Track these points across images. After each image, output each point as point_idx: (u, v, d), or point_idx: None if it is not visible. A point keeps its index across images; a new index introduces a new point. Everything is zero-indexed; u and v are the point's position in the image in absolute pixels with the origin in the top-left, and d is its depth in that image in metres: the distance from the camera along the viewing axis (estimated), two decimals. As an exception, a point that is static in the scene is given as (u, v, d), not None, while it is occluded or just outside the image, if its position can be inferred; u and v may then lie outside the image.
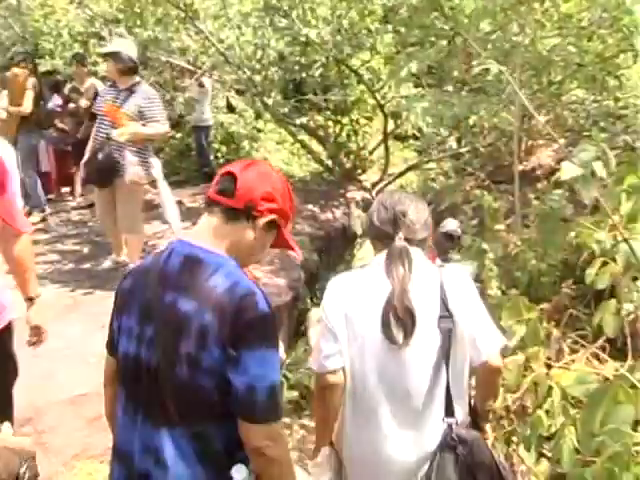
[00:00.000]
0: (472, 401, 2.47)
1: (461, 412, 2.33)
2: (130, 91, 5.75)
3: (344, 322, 2.31)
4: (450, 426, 2.26)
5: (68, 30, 9.76)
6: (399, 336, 2.23)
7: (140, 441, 1.81)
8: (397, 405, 2.29)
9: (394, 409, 2.29)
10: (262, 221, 1.89)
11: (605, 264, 2.72)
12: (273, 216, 1.91)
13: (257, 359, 1.71)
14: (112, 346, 2.00)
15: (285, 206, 1.97)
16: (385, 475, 2.32)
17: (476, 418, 2.44)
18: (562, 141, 9.51)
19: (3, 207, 2.62)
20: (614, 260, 2.64)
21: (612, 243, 2.56)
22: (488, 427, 2.59)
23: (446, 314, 2.27)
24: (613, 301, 2.76)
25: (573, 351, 2.84)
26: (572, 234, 3.82)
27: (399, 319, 2.23)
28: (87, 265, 6.78)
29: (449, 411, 2.28)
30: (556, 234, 2.45)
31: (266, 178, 1.94)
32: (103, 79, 9.15)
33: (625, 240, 2.21)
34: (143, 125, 5.61)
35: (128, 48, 5.91)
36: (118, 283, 2.03)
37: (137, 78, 5.90)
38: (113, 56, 5.77)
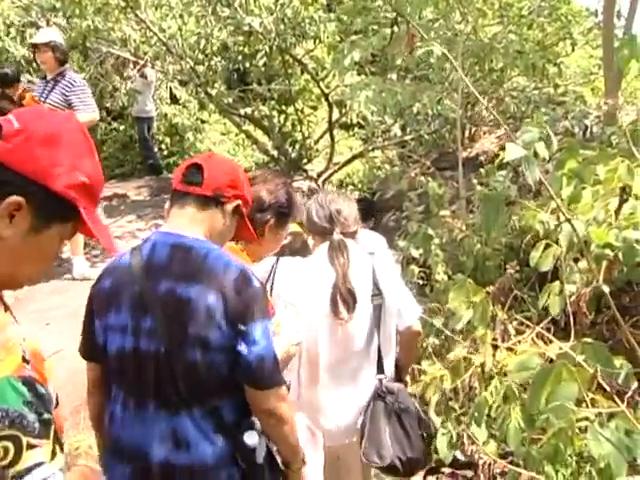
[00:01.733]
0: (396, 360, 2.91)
1: (389, 369, 2.80)
2: (55, 81, 5.66)
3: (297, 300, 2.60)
4: (380, 381, 2.74)
5: (2, 19, 9.47)
6: (344, 312, 2.64)
7: (154, 431, 1.87)
8: (340, 367, 2.70)
9: (337, 371, 2.70)
10: (230, 206, 2.02)
11: (548, 246, 2.77)
12: (238, 201, 2.04)
13: (262, 330, 1.87)
14: (92, 350, 2.01)
15: (246, 193, 2.10)
16: (330, 426, 2.70)
17: (400, 373, 2.91)
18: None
19: None
20: (557, 242, 2.69)
21: (555, 224, 2.62)
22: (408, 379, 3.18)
23: (377, 292, 2.75)
24: (557, 283, 2.83)
25: (519, 332, 2.89)
26: (515, 218, 3.89)
27: (343, 299, 2.66)
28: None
29: (380, 369, 2.75)
30: (500, 215, 2.49)
31: (229, 167, 2.08)
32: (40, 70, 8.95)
33: (568, 220, 2.25)
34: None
35: (58, 36, 5.82)
36: (93, 285, 2.03)
37: (66, 66, 5.80)
38: (51, 45, 5.66)
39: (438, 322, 4.12)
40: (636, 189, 2.65)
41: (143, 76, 10.33)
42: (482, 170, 5.68)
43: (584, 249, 2.41)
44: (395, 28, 5.76)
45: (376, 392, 2.72)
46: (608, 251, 2.58)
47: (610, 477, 2.04)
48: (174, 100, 12.40)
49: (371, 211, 6.57)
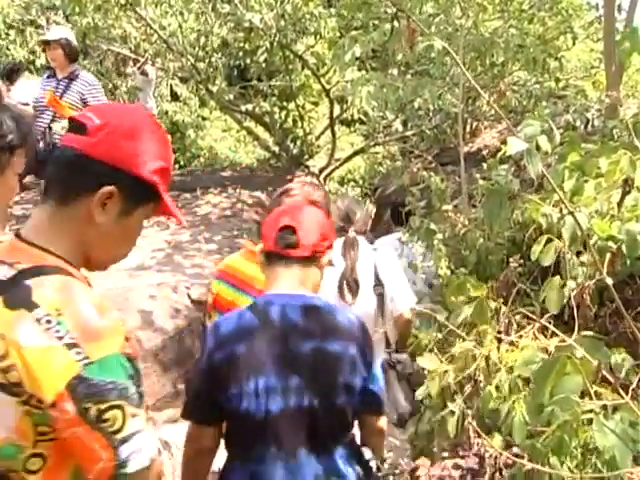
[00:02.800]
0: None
1: (392, 345, 3.45)
2: (70, 79, 5.64)
3: None
4: (389, 353, 3.40)
5: (3, 17, 9.48)
6: (349, 297, 3.32)
7: (307, 476, 2.01)
8: None
9: None
10: (325, 258, 2.22)
11: (550, 241, 2.78)
12: (330, 250, 2.28)
13: (377, 367, 2.23)
14: (211, 415, 2.08)
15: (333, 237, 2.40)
16: None
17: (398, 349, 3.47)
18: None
19: None
20: (559, 236, 2.70)
21: (558, 217, 2.62)
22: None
23: (378, 283, 3.46)
24: (557, 278, 2.83)
25: (522, 326, 2.89)
26: (518, 212, 3.89)
27: (349, 286, 3.34)
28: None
29: (388, 345, 3.44)
30: (502, 209, 2.49)
31: (317, 219, 2.24)
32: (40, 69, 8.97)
33: (570, 213, 2.25)
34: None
35: (70, 35, 5.81)
36: (212, 352, 2.05)
37: (76, 66, 5.79)
38: (61, 43, 5.65)
39: (441, 316, 4.12)
40: (639, 181, 2.66)
41: (144, 74, 10.32)
42: (484, 164, 5.67)
43: (587, 242, 2.41)
44: (395, 23, 5.74)
45: (387, 362, 3.33)
46: (611, 243, 2.59)
47: (615, 468, 2.04)
48: (175, 97, 12.40)
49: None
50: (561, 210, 2.62)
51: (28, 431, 1.30)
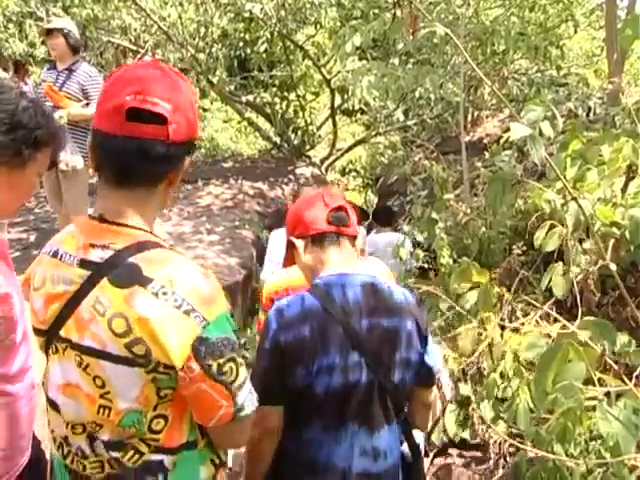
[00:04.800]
0: None
1: None
2: (70, 71, 5.61)
3: None
4: None
5: (2, 10, 9.44)
6: None
7: (355, 448, 2.03)
8: None
9: None
10: (359, 240, 2.27)
11: (553, 227, 2.77)
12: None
13: (431, 340, 2.18)
14: (282, 396, 2.06)
15: None
16: None
17: None
18: (507, 111, 9.64)
19: None
20: (562, 223, 2.69)
21: (562, 203, 2.61)
22: None
23: None
24: (560, 264, 2.82)
25: (525, 314, 2.89)
26: (520, 200, 3.89)
27: None
28: (34, 252, 6.64)
29: None
30: (506, 195, 2.48)
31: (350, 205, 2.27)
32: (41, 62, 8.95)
33: (574, 199, 2.24)
34: (86, 105, 5.48)
35: (72, 26, 5.78)
36: (277, 335, 2.04)
37: (78, 57, 5.77)
38: (63, 32, 5.62)
39: (444, 305, 4.12)
40: (642, 168, 2.65)
41: (144, 65, 10.29)
42: (486, 153, 5.66)
43: (590, 228, 2.40)
44: (394, 11, 5.72)
45: None
46: (614, 229, 2.58)
47: (619, 455, 2.05)
48: (175, 89, 12.37)
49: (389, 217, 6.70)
50: (564, 196, 2.61)
51: (151, 397, 1.45)
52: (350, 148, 11.65)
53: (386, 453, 2.09)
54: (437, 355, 2.31)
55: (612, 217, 2.52)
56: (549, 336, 2.67)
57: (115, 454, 1.49)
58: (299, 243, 2.20)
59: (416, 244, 5.29)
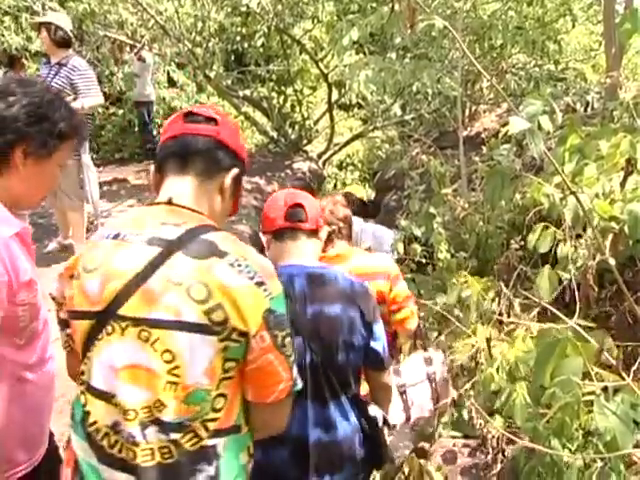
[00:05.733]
0: None
1: None
2: (60, 65, 5.61)
3: None
4: None
5: (-2, 4, 9.42)
6: None
7: (308, 420, 2.23)
8: None
9: None
10: (322, 234, 2.47)
11: (546, 228, 2.77)
12: (325, 227, 2.55)
13: (380, 326, 2.34)
14: None
15: None
16: None
17: None
18: (505, 105, 9.63)
19: None
20: (560, 218, 2.69)
21: (560, 197, 2.60)
22: None
23: None
24: (547, 268, 2.84)
25: (524, 309, 2.89)
26: (518, 195, 3.88)
27: None
28: (32, 247, 6.62)
29: None
30: (504, 189, 2.48)
31: (314, 202, 2.49)
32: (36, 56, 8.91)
33: (573, 193, 2.24)
34: (74, 99, 5.46)
35: (62, 20, 5.76)
36: None
37: (69, 52, 5.75)
38: (48, 27, 5.62)
39: (441, 300, 4.12)
40: (640, 163, 2.64)
41: (141, 59, 10.24)
42: (484, 147, 5.65)
43: (589, 222, 2.40)
44: (392, 5, 5.70)
45: None
46: (613, 224, 2.57)
47: (616, 450, 2.04)
48: (172, 83, 12.33)
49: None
50: (563, 191, 2.60)
51: (217, 370, 1.52)
52: (347, 143, 11.63)
53: (336, 424, 2.27)
54: (384, 342, 2.43)
55: (610, 212, 2.51)
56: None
57: (174, 435, 1.52)
58: (264, 238, 2.47)
59: (414, 238, 5.29)
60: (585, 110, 6.62)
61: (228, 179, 1.71)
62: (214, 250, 1.54)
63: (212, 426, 1.54)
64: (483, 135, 8.27)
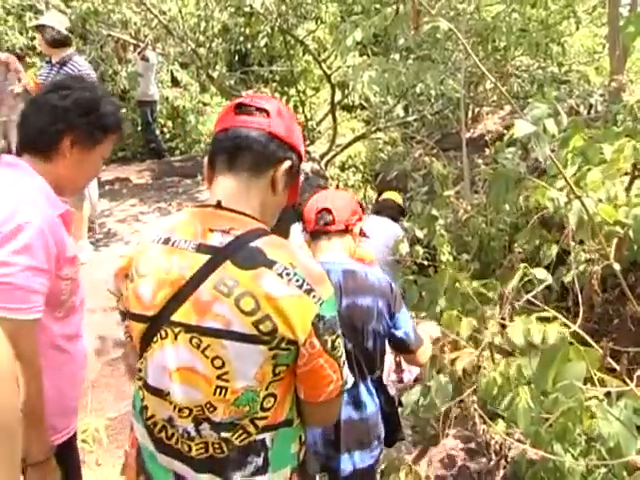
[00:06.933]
0: None
1: None
2: (61, 65, 5.63)
3: None
4: None
5: (2, 3, 9.41)
6: None
7: (343, 401, 2.22)
8: None
9: None
10: (356, 229, 2.75)
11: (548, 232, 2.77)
12: (361, 222, 2.80)
13: (404, 315, 2.66)
14: None
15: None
16: None
17: None
18: (508, 107, 9.62)
19: None
20: (564, 222, 2.68)
21: (565, 201, 2.60)
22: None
23: None
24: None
25: (527, 312, 2.87)
26: (521, 197, 3.86)
27: None
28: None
29: None
30: (509, 192, 2.48)
31: (347, 200, 2.78)
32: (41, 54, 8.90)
33: (578, 197, 2.23)
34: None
35: (55, 21, 5.77)
36: None
37: (69, 51, 5.76)
38: (40, 29, 5.67)
39: (443, 302, 4.11)
40: (645, 166, 2.63)
41: (144, 59, 10.23)
42: (487, 150, 5.63)
43: (594, 226, 2.39)
44: (397, 6, 5.69)
45: None
46: (618, 229, 2.56)
47: (620, 456, 2.03)
48: (175, 83, 12.33)
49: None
50: (568, 195, 2.59)
51: (267, 375, 1.55)
52: (350, 144, 11.61)
53: (365, 403, 2.58)
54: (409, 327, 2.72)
55: (615, 216, 2.50)
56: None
57: (225, 434, 1.58)
58: (306, 237, 2.78)
59: (416, 240, 5.28)
60: (588, 113, 6.60)
61: (280, 172, 1.69)
62: (262, 259, 1.53)
63: (261, 423, 1.60)
64: (487, 137, 8.24)
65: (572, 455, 2.30)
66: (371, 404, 2.61)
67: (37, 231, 1.93)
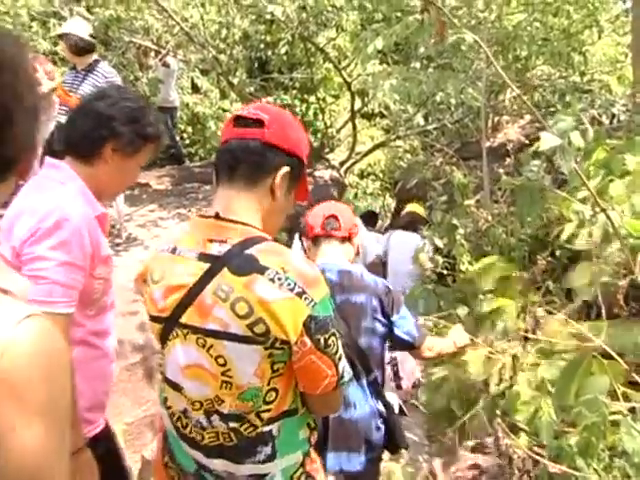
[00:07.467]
0: None
1: None
2: (87, 72, 5.66)
3: None
4: None
5: (27, 9, 9.48)
6: None
7: None
8: None
9: None
10: (356, 240, 2.95)
11: (581, 226, 2.75)
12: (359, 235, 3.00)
13: (402, 316, 2.79)
14: None
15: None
16: None
17: None
18: (528, 117, 9.57)
19: None
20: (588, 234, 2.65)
21: (590, 214, 2.58)
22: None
23: None
24: (586, 265, 2.81)
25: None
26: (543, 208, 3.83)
27: None
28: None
29: None
30: (534, 205, 2.47)
31: (350, 213, 3.00)
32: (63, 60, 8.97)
33: (603, 210, 2.21)
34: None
35: (79, 28, 5.79)
36: None
37: (94, 57, 5.79)
38: (64, 37, 5.69)
39: (462, 311, 4.09)
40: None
41: (165, 65, 10.28)
42: (508, 159, 5.60)
43: (620, 240, 2.36)
44: (419, 15, 5.69)
45: None
46: (644, 242, 2.53)
47: (644, 472, 2.01)
48: (195, 89, 12.39)
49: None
50: (593, 207, 2.57)
51: (266, 371, 1.67)
52: (369, 151, 11.60)
53: (355, 404, 2.65)
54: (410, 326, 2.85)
55: (641, 230, 2.47)
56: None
57: (233, 424, 1.72)
58: (305, 243, 3.01)
59: (435, 249, 5.26)
60: (611, 123, 6.55)
61: (278, 179, 1.76)
62: (255, 266, 1.63)
63: (266, 416, 1.72)
64: (508, 147, 8.20)
65: (595, 470, 2.27)
66: (363, 406, 2.68)
67: (75, 229, 2.03)
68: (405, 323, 2.80)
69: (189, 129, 12.23)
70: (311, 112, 11.79)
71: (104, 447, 2.32)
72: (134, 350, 5.08)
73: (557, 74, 8.74)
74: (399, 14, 7.58)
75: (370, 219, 7.78)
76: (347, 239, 2.90)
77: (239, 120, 1.79)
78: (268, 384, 1.69)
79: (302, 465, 1.83)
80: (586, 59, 8.53)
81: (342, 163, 11.19)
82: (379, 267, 6.24)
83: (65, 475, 1.06)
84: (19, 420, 0.99)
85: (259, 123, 1.75)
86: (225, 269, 1.65)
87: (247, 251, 1.66)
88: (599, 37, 8.85)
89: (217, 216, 1.74)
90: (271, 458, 1.75)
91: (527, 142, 7.66)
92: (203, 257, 1.71)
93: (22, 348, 1.01)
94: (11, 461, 0.98)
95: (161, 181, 9.94)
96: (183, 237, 1.82)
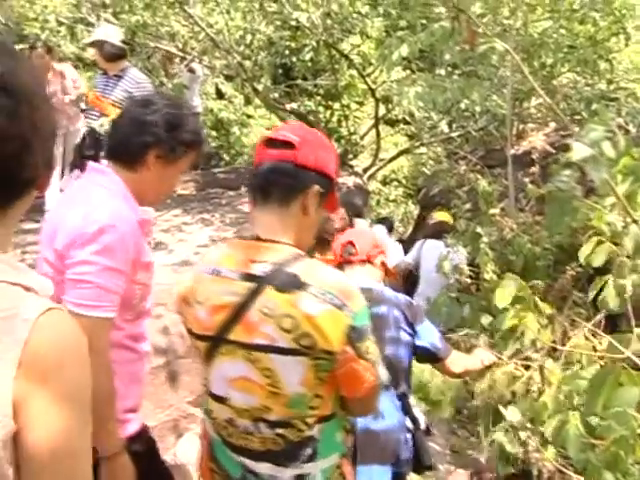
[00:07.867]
0: None
1: None
2: (119, 77, 5.70)
3: None
4: None
5: (55, 16, 9.59)
6: None
7: None
8: None
9: None
10: (378, 260, 3.09)
11: (600, 243, 2.72)
12: (382, 256, 3.15)
13: (424, 327, 2.89)
14: None
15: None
16: None
17: None
18: (553, 124, 9.51)
19: None
20: (616, 244, 2.62)
21: (622, 225, 2.55)
22: None
23: None
24: (610, 277, 2.76)
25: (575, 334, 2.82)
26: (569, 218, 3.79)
27: None
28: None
29: None
30: (564, 215, 2.46)
31: (368, 236, 3.27)
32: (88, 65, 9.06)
33: (634, 221, 2.18)
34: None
35: (110, 34, 5.82)
36: None
37: (125, 63, 5.83)
38: (96, 44, 5.73)
39: (486, 320, 4.07)
40: None
41: (191, 71, 10.33)
42: (533, 167, 5.57)
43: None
44: (448, 23, 5.67)
45: None
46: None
47: (674, 487, 1.98)
48: (219, 95, 12.45)
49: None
50: (624, 218, 2.54)
51: (311, 380, 1.78)
52: (393, 158, 11.59)
53: (383, 415, 2.69)
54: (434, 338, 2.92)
55: (672, 241, 2.44)
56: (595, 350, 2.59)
57: (280, 430, 1.83)
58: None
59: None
60: (638, 131, 6.50)
61: (309, 197, 1.86)
62: (297, 283, 1.75)
63: (311, 421, 1.84)
64: (532, 155, 8.15)
65: (623, 484, 2.24)
66: (392, 416, 2.75)
67: (118, 234, 2.07)
68: (429, 334, 2.89)
69: (213, 134, 12.29)
70: (335, 119, 11.80)
71: (143, 446, 2.35)
72: (157, 354, 5.10)
73: (583, 82, 8.67)
74: (424, 21, 7.56)
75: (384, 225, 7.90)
76: (367, 261, 3.05)
77: (270, 142, 1.89)
78: (313, 391, 1.80)
79: (338, 467, 1.93)
80: (612, 66, 8.46)
81: (365, 170, 11.18)
82: (400, 274, 6.27)
83: (90, 459, 1.12)
84: (51, 404, 1.03)
85: (290, 145, 1.84)
86: (269, 288, 1.76)
87: (288, 269, 1.77)
88: (626, 44, 8.77)
89: (257, 238, 1.86)
90: (312, 458, 1.85)
91: (552, 150, 7.62)
92: (246, 277, 1.80)
93: (48, 335, 1.06)
94: (44, 444, 1.03)
95: (185, 186, 9.98)
96: (223, 259, 1.90)
